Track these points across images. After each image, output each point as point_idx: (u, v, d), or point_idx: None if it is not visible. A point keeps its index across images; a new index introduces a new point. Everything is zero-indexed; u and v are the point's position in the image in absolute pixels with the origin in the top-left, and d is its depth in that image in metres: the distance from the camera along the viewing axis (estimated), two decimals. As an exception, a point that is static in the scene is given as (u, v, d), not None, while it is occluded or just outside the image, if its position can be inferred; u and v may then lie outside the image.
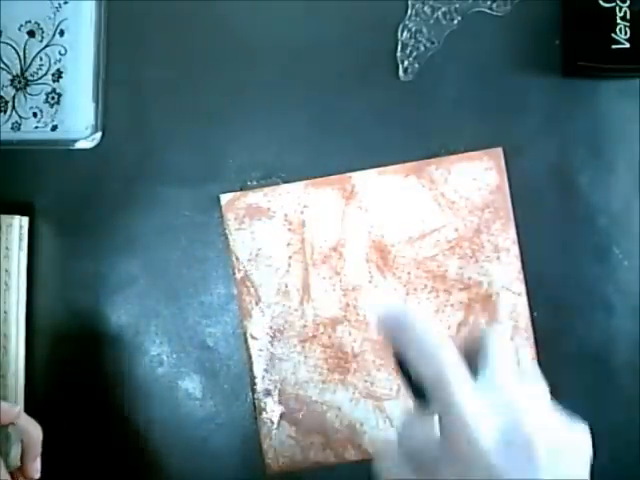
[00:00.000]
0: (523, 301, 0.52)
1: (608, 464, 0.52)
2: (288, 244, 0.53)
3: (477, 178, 0.53)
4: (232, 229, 0.54)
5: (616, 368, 0.52)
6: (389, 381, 0.53)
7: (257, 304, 0.53)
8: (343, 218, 0.53)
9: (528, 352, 0.52)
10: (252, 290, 0.53)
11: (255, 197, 0.54)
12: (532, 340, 0.53)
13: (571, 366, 0.52)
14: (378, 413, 0.53)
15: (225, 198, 0.54)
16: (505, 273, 0.53)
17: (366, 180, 0.53)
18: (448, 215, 0.53)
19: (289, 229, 0.53)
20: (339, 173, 0.54)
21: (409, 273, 0.53)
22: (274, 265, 0.53)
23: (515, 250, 0.53)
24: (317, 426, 0.53)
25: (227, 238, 0.54)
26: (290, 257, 0.53)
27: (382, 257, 0.53)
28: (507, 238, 0.52)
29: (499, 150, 0.53)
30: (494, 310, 0.52)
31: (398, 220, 0.53)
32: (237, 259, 0.54)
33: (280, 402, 0.53)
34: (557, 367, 0.52)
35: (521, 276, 0.52)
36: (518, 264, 0.53)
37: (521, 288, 0.52)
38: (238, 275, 0.53)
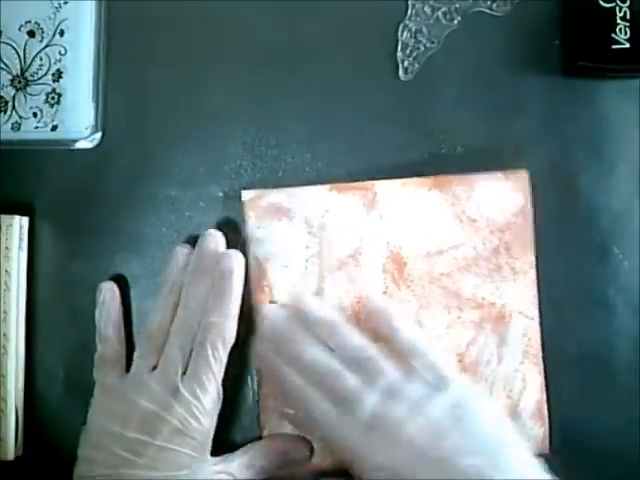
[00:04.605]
0: (535, 325, 0.52)
1: (608, 464, 0.52)
2: (307, 247, 0.53)
3: (501, 198, 0.52)
4: (253, 227, 0.53)
5: (616, 368, 0.52)
6: (389, 381, 0.53)
7: (270, 304, 0.52)
8: (363, 226, 0.52)
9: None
10: (267, 289, 0.52)
11: (277, 197, 0.53)
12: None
13: (571, 366, 0.52)
14: (378, 413, 0.53)
15: (247, 195, 0.53)
16: (520, 296, 0.52)
17: (389, 190, 0.52)
18: (468, 233, 0.52)
19: (309, 232, 0.53)
20: (339, 173, 0.54)
21: (423, 287, 0.52)
22: (290, 266, 0.53)
23: (532, 274, 0.52)
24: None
25: (246, 236, 0.53)
26: (307, 260, 0.53)
27: (398, 269, 0.52)
28: (525, 262, 0.52)
29: (524, 173, 0.52)
30: (505, 332, 0.52)
31: (418, 233, 0.52)
32: (255, 258, 0.53)
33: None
34: (557, 367, 0.52)
35: (536, 301, 0.52)
36: (534, 288, 0.52)
37: (534, 313, 0.52)
38: (253, 274, 0.53)
